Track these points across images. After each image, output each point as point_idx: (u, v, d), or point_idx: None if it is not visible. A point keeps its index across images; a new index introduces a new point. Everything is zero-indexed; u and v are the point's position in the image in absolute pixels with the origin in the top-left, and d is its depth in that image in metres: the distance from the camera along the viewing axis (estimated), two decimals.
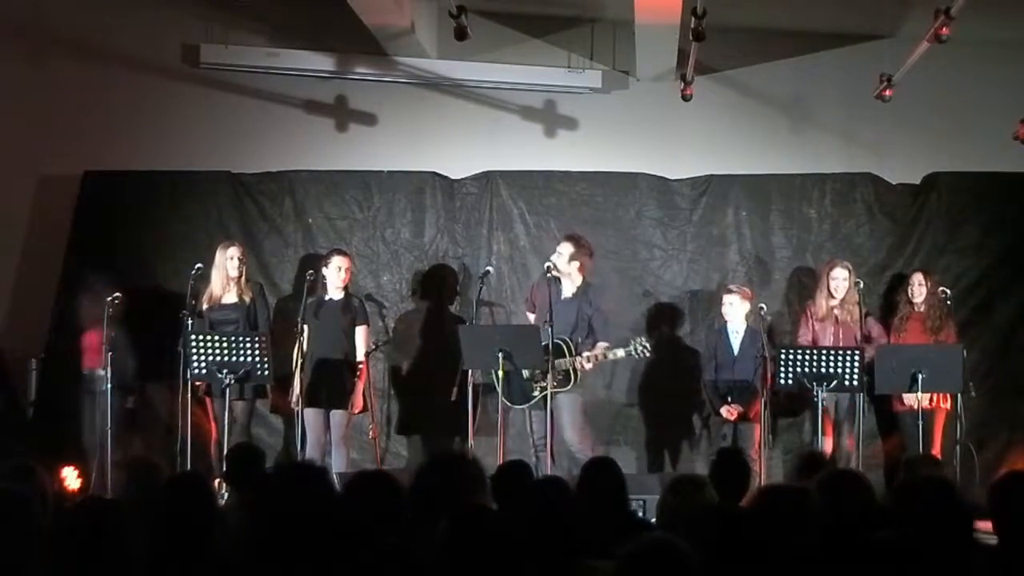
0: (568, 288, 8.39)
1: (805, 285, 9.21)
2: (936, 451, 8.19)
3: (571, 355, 8.14)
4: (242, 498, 3.57)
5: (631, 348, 8.17)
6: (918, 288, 8.57)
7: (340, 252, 8.62)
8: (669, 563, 2.91)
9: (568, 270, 8.38)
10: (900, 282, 8.96)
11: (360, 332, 8.45)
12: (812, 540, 3.72)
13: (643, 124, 9.69)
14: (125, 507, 3.81)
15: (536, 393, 8.12)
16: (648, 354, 8.26)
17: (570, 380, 8.15)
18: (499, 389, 8.06)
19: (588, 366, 8.19)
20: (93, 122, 9.60)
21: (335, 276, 8.45)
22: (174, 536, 3.41)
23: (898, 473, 7.13)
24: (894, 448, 8.65)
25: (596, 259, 9.18)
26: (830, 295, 8.55)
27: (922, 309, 8.56)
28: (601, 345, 8.22)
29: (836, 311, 8.52)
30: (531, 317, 8.61)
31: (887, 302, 9.04)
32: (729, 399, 8.39)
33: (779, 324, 9.15)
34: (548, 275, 8.24)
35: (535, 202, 9.50)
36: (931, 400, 8.27)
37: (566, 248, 8.40)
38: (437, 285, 9.44)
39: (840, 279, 8.51)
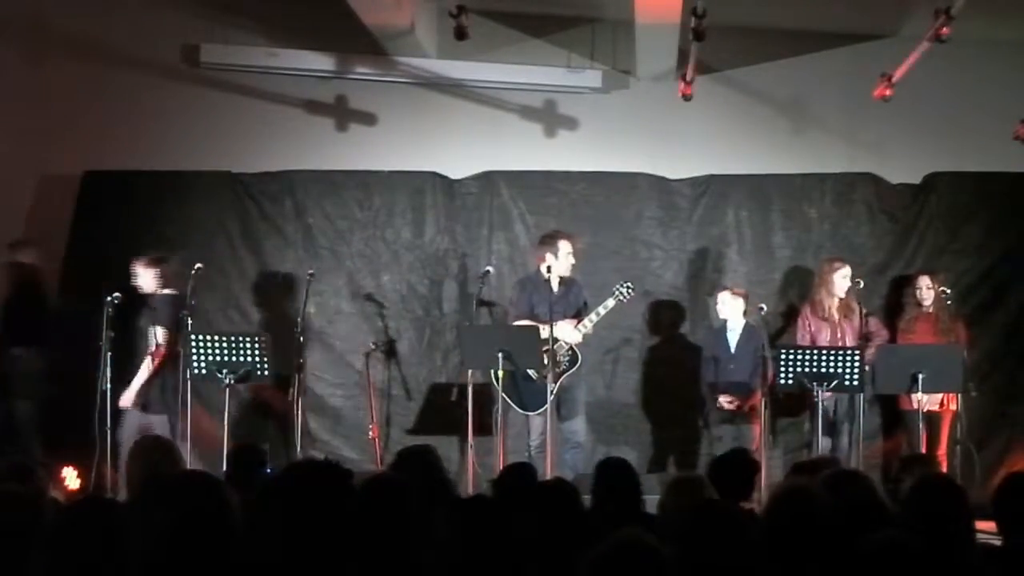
0: (555, 282, 8.37)
1: (805, 285, 9.20)
2: (942, 452, 8.19)
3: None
4: (244, 498, 3.55)
5: (617, 295, 8.25)
6: (926, 291, 8.58)
7: (144, 258, 8.48)
8: (640, 561, 2.91)
9: (567, 265, 8.38)
10: (903, 284, 8.96)
11: (156, 332, 8.22)
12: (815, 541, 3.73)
13: (643, 124, 9.69)
14: (135, 494, 3.80)
15: (554, 386, 8.08)
16: (632, 292, 8.35)
17: (576, 360, 8.21)
18: (499, 387, 8.07)
19: (590, 328, 8.26)
20: (93, 122, 9.60)
21: (140, 280, 8.40)
22: (183, 537, 3.39)
23: (892, 472, 7.21)
24: (896, 448, 8.66)
25: (596, 259, 9.22)
26: (829, 294, 8.55)
27: (931, 311, 8.56)
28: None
29: (835, 311, 8.52)
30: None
31: (889, 303, 9.02)
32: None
33: (779, 324, 9.16)
34: (548, 275, 8.22)
35: (535, 202, 9.50)
36: (941, 403, 8.27)
37: (567, 246, 8.39)
38: (437, 285, 9.45)
39: (845, 277, 8.52)
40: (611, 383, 9.28)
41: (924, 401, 7.97)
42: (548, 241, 8.47)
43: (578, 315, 8.33)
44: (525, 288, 8.56)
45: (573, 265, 8.45)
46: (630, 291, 8.34)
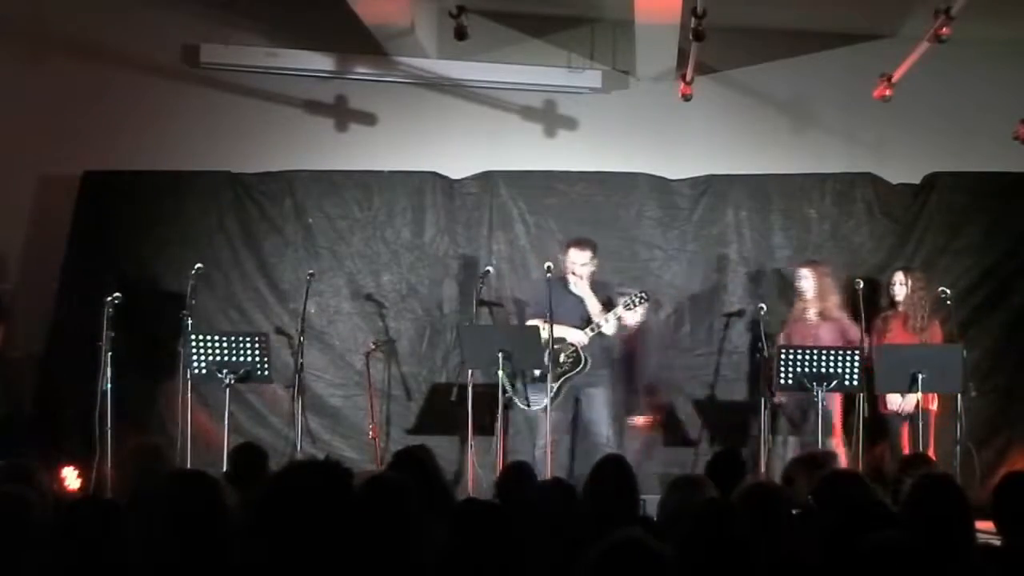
0: (582, 287, 8.37)
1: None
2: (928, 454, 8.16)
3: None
4: (245, 497, 3.55)
5: (626, 304, 8.20)
6: (899, 288, 8.51)
7: None
8: (641, 561, 2.91)
9: (588, 272, 8.38)
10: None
11: None
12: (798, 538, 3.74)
13: (643, 124, 9.69)
14: (132, 498, 3.79)
15: (554, 386, 8.11)
16: (645, 301, 8.27)
17: (579, 362, 8.21)
18: (507, 388, 8.11)
19: (611, 328, 8.26)
20: (93, 122, 9.60)
21: None
22: (179, 536, 3.39)
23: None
24: (879, 452, 8.63)
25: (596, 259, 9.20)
26: (798, 298, 8.57)
27: (902, 309, 8.49)
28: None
29: (810, 312, 8.50)
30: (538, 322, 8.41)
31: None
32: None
33: (777, 325, 9.16)
34: (548, 275, 8.23)
35: (535, 202, 9.50)
36: (918, 404, 8.20)
37: (585, 255, 8.37)
38: (437, 285, 9.45)
39: (801, 279, 8.58)
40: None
41: (901, 403, 8.07)
42: (566, 244, 8.52)
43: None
44: (547, 289, 8.53)
45: (575, 276, 8.37)
46: (642, 300, 8.26)
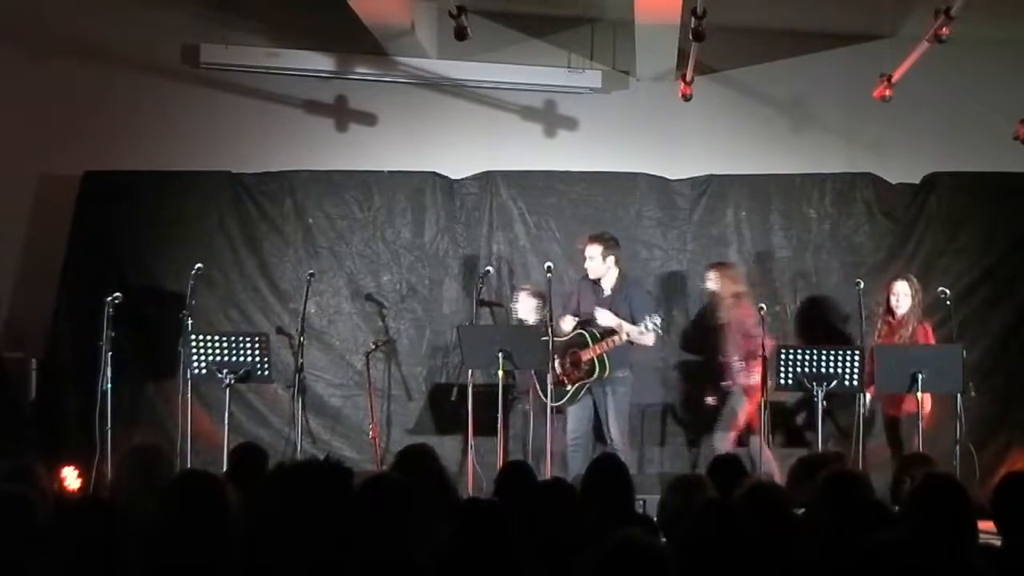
0: (607, 285, 8.38)
1: (804, 285, 9.23)
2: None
3: (593, 343, 8.19)
4: (245, 497, 3.56)
5: (642, 327, 8.13)
6: (904, 299, 8.29)
7: None
8: (644, 561, 2.92)
9: (605, 269, 8.37)
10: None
11: None
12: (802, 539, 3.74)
13: (643, 124, 9.70)
14: (132, 498, 3.79)
15: (570, 388, 8.17)
16: (659, 329, 8.20)
17: (594, 371, 8.19)
18: (538, 387, 8.22)
19: (605, 349, 8.19)
20: (93, 122, 9.60)
21: None
22: (183, 535, 3.39)
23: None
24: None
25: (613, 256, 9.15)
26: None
27: (898, 318, 8.33)
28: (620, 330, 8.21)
29: (720, 313, 8.56)
30: (568, 321, 8.40)
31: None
32: None
33: (779, 324, 9.15)
34: (548, 275, 8.22)
35: (535, 202, 9.50)
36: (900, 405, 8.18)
37: (595, 250, 8.37)
38: (437, 285, 9.45)
39: (707, 281, 8.73)
40: None
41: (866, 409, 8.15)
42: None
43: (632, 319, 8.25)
44: (577, 287, 8.58)
45: (602, 272, 8.40)
46: (656, 327, 8.11)
